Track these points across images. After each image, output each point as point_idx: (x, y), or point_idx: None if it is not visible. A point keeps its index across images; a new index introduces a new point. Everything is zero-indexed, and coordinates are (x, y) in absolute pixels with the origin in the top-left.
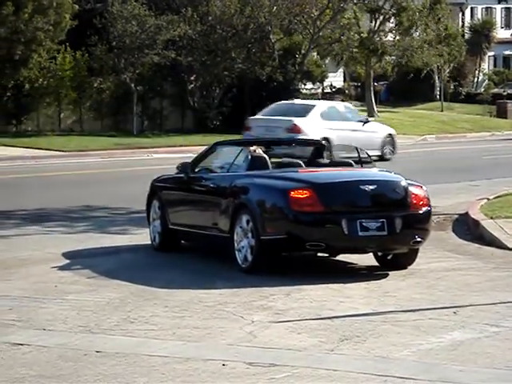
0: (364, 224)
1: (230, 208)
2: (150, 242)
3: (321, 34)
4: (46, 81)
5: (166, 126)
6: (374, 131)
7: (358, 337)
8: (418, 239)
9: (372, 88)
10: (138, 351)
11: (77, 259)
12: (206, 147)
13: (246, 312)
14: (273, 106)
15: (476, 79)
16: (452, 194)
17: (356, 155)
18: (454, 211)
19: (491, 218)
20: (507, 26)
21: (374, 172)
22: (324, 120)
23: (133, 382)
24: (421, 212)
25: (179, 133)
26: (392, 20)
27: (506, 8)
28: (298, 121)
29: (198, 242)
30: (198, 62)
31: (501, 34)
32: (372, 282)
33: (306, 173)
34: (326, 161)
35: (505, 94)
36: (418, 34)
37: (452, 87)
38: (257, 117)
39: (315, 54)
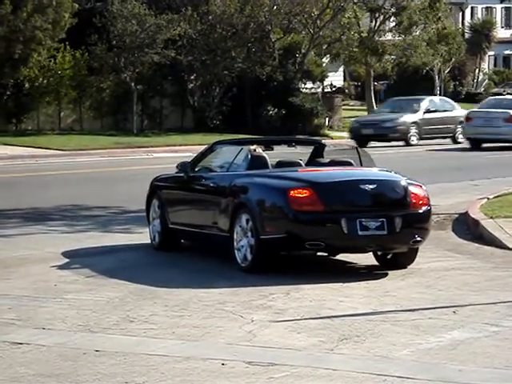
0: (364, 223)
1: (229, 207)
2: (149, 242)
3: (321, 33)
4: (45, 80)
5: (165, 125)
6: None
7: (358, 336)
8: (418, 238)
9: (372, 87)
10: (138, 350)
11: (76, 258)
12: (205, 146)
13: (246, 311)
14: (490, 99)
15: (476, 79)
16: (452, 194)
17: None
18: (453, 211)
19: (491, 217)
20: (507, 25)
21: (373, 171)
22: None
23: (132, 381)
24: (421, 211)
25: (179, 132)
26: (392, 19)
27: (506, 8)
28: None
29: (198, 241)
30: (198, 61)
31: (501, 33)
32: (372, 281)
33: (306, 172)
34: (325, 160)
35: (505, 93)
36: (417, 33)
37: (452, 87)
38: (477, 109)
39: (312, 53)
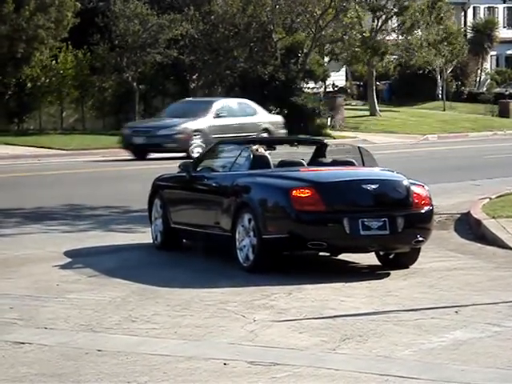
0: (366, 223)
1: (231, 207)
2: (151, 241)
3: (323, 33)
4: (48, 79)
5: None
6: None
7: (360, 336)
8: (420, 238)
9: (374, 87)
10: (140, 350)
11: (78, 258)
12: (208, 146)
13: (248, 311)
14: None
15: (478, 79)
16: (454, 194)
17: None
18: (455, 211)
19: (493, 217)
20: (510, 25)
21: (375, 171)
22: None
23: (134, 380)
24: (423, 211)
25: None
26: (394, 19)
27: (508, 7)
28: None
29: (200, 241)
30: (200, 60)
31: (503, 33)
32: (374, 281)
33: (308, 172)
34: (327, 160)
35: (507, 93)
36: (419, 33)
37: (454, 87)
38: None
39: (315, 53)
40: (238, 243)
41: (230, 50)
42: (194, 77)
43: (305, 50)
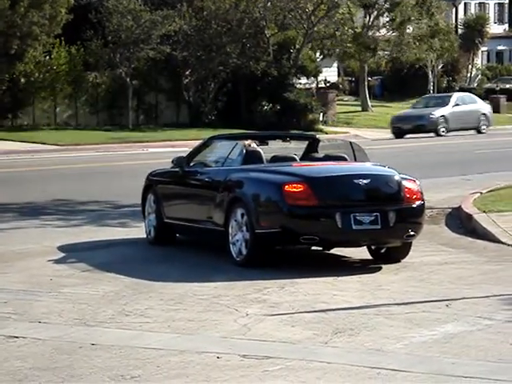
0: (358, 218)
1: (224, 202)
2: (145, 236)
3: (315, 29)
4: (41, 75)
5: (161, 120)
6: None
7: (352, 330)
8: (412, 233)
9: (366, 83)
10: (133, 344)
11: (72, 252)
12: (201, 141)
13: (241, 305)
14: None
15: (469, 74)
16: (445, 188)
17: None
18: (447, 205)
19: (484, 211)
20: (500, 21)
21: (367, 166)
22: None
23: (128, 374)
24: (414, 206)
25: (174, 127)
26: (386, 15)
27: (499, 3)
28: None
29: (193, 235)
30: (193, 56)
31: (494, 29)
32: (365, 275)
33: (300, 167)
34: (319, 155)
35: (498, 88)
36: (411, 29)
37: (445, 82)
38: None
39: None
40: (230, 238)
41: (223, 46)
42: (187, 72)
43: (297, 46)
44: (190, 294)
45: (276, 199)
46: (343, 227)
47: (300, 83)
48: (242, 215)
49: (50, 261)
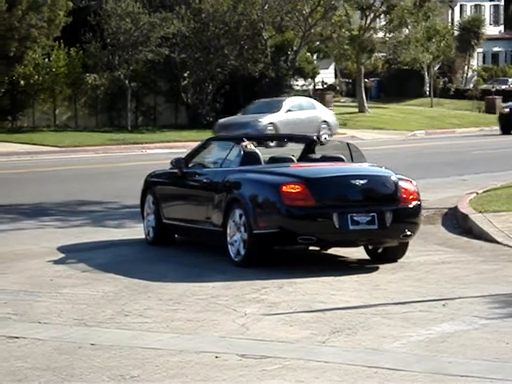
0: (355, 218)
1: (222, 202)
2: (144, 237)
3: (312, 31)
4: (40, 77)
5: (159, 121)
6: None
7: (349, 329)
8: (408, 233)
9: (363, 84)
10: (132, 344)
11: (72, 253)
12: (199, 143)
13: (239, 305)
14: None
15: (465, 75)
16: (441, 189)
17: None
18: (443, 205)
19: (480, 211)
20: (496, 22)
21: (364, 167)
22: None
23: (127, 374)
24: (411, 206)
25: (173, 128)
26: (382, 17)
27: (494, 5)
28: None
29: (192, 236)
30: (191, 58)
31: (490, 30)
32: (363, 275)
33: (298, 168)
34: (317, 156)
35: (493, 89)
36: (407, 31)
37: (441, 83)
38: None
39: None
40: (229, 238)
41: (221, 48)
42: (185, 74)
43: (294, 48)
44: (189, 294)
45: (274, 200)
46: (340, 227)
47: (297, 85)
48: (240, 216)
49: (49, 261)
